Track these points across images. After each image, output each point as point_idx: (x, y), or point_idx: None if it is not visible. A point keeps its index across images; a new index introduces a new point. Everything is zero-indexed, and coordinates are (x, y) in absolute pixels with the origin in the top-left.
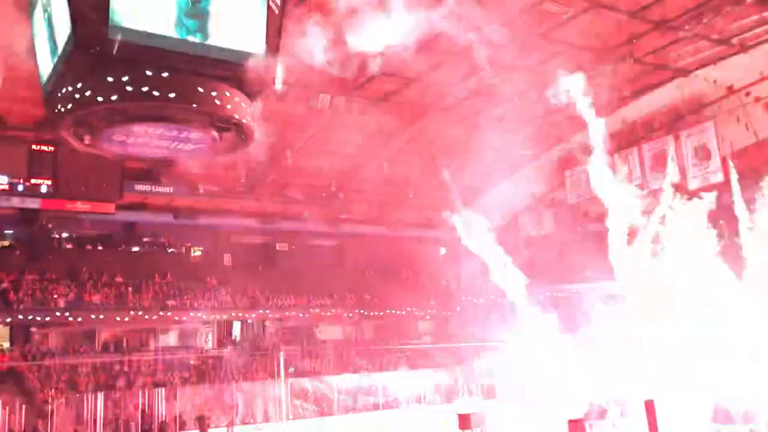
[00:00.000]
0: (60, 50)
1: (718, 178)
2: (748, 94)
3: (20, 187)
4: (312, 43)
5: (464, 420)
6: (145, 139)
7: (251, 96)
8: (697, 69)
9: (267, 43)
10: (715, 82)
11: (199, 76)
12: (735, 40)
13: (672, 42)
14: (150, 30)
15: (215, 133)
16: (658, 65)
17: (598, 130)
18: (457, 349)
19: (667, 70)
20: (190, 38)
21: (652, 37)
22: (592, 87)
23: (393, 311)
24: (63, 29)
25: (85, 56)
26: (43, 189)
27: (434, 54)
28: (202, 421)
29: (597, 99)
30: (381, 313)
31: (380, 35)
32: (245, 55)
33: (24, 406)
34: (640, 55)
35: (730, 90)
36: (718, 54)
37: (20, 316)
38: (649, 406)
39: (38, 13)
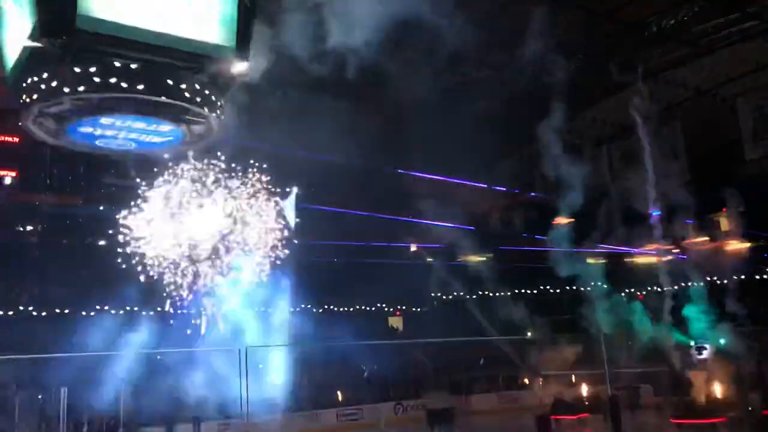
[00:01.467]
0: (26, 39)
1: None
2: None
3: None
4: (287, 39)
5: (433, 416)
6: (112, 132)
7: (222, 89)
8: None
9: (238, 37)
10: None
11: (169, 69)
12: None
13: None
14: (119, 21)
15: (185, 126)
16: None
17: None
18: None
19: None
20: (161, 29)
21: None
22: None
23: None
24: (28, 17)
25: (51, 46)
26: (8, 180)
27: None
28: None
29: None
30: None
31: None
32: (216, 49)
33: None
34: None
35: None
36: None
37: None
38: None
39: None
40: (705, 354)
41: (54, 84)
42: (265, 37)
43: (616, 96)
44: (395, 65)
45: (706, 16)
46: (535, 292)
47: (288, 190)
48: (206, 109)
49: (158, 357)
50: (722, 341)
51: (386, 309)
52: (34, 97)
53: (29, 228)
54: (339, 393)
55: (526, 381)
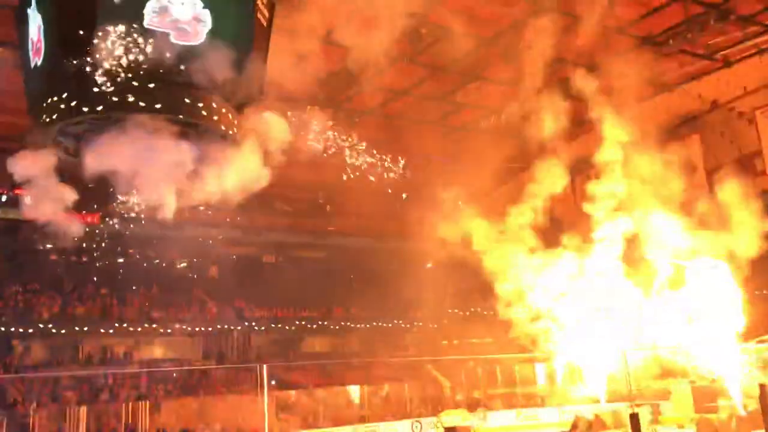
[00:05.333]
0: (42, 57)
1: None
2: (731, 109)
3: (3, 198)
4: (298, 56)
5: None
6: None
7: (238, 108)
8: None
9: (254, 54)
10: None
11: (186, 87)
12: (719, 55)
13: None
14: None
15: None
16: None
17: None
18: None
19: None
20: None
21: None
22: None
23: (380, 323)
24: (48, 36)
25: (68, 64)
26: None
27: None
28: None
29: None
30: (367, 325)
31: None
32: (233, 67)
33: (5, 420)
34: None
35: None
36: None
37: (2, 328)
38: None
39: (31, 22)
40: None
41: (73, 104)
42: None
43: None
44: None
45: (722, 29)
46: None
47: None
48: (223, 128)
49: (174, 375)
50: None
51: (403, 325)
52: (54, 116)
53: (49, 246)
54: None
55: (545, 398)
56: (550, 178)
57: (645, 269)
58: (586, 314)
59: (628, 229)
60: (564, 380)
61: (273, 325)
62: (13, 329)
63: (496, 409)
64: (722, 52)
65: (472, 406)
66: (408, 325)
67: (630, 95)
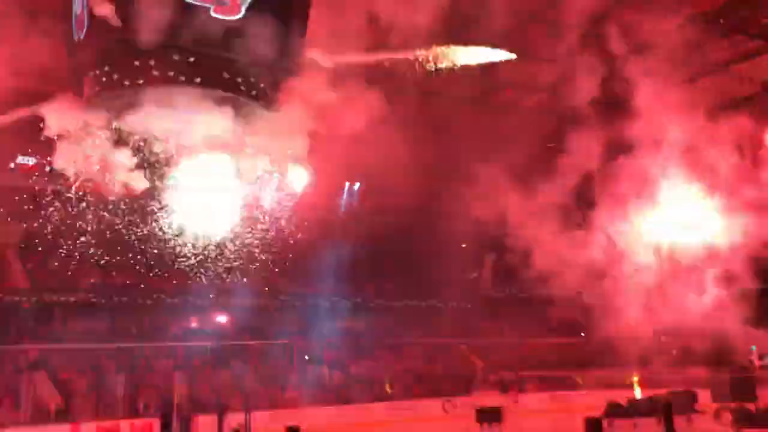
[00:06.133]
0: (85, 31)
1: None
2: None
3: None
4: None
5: (482, 414)
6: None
7: (277, 82)
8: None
9: (293, 28)
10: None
11: (225, 61)
12: None
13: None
14: None
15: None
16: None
17: None
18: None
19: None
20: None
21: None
22: None
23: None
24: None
25: (110, 37)
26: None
27: None
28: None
29: None
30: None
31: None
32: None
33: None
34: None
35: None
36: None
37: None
38: None
39: None
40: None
41: (115, 77)
42: None
43: None
44: None
45: None
46: None
47: None
48: (262, 103)
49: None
50: None
51: (438, 305)
52: (97, 89)
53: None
54: (389, 387)
55: (579, 381)
56: (585, 155)
57: None
58: (623, 294)
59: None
60: (599, 364)
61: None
62: (54, 299)
63: (529, 391)
64: None
65: (504, 387)
66: (442, 305)
67: (679, 75)
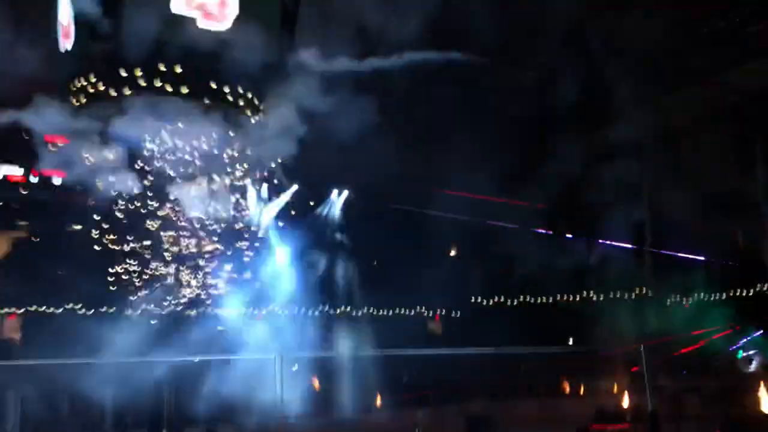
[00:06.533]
0: (72, 42)
1: None
2: None
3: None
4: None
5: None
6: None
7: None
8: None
9: (280, 39)
10: None
11: (212, 72)
12: None
13: None
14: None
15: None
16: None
17: None
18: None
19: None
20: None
21: None
22: None
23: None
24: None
25: (98, 48)
26: (57, 181)
27: None
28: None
29: None
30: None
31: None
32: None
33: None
34: None
35: None
36: None
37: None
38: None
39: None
40: (754, 365)
41: (102, 88)
42: None
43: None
44: None
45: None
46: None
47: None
48: (249, 113)
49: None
50: None
51: (426, 314)
52: (84, 99)
53: (77, 227)
54: (378, 397)
55: (567, 389)
56: (572, 161)
57: None
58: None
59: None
60: (588, 372)
61: None
62: (50, 309)
63: (518, 399)
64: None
65: (493, 395)
66: (430, 314)
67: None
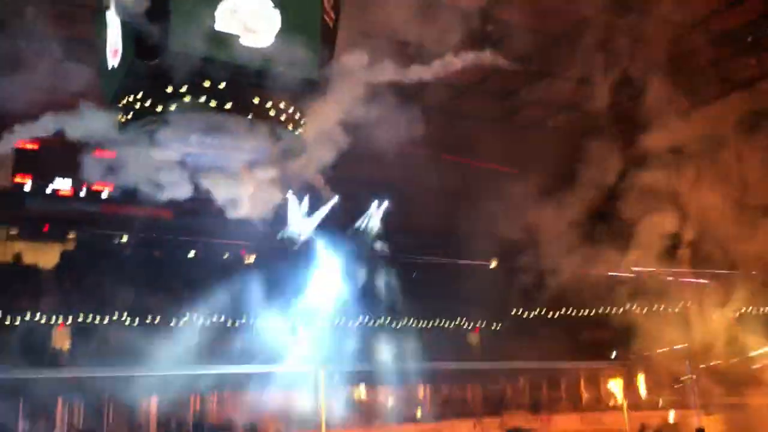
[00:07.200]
0: (120, 59)
1: None
2: None
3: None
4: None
5: None
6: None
7: (304, 106)
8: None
9: (321, 55)
10: None
11: (255, 88)
12: None
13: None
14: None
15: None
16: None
17: None
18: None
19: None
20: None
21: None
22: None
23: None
24: (126, 39)
25: (144, 65)
26: (104, 195)
27: None
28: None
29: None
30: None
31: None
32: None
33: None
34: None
35: None
36: None
37: (80, 320)
38: None
39: (110, 25)
40: None
41: (147, 104)
42: None
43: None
44: None
45: None
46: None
47: None
48: (291, 127)
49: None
50: None
51: (465, 326)
52: (130, 116)
53: (123, 239)
54: (418, 409)
55: (611, 403)
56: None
57: None
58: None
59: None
60: (631, 385)
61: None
62: (89, 320)
63: (560, 412)
64: None
65: (535, 408)
66: (470, 326)
67: (703, 93)
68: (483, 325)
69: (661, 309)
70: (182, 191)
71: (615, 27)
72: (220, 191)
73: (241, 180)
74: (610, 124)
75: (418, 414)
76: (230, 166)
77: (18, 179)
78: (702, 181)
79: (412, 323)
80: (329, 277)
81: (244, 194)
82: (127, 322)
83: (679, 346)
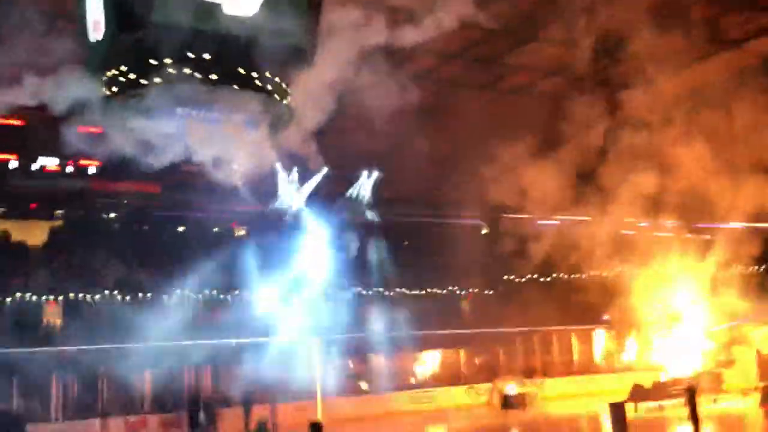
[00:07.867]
0: (103, 33)
1: None
2: None
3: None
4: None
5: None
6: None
7: (292, 77)
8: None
9: (306, 24)
10: None
11: (240, 57)
12: None
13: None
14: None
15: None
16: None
17: None
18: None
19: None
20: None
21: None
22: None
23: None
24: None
25: (127, 39)
26: (91, 170)
27: None
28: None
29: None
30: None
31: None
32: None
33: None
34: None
35: None
36: None
37: (70, 295)
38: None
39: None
40: None
41: (132, 77)
42: None
43: None
44: None
45: None
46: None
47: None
48: (277, 96)
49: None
50: None
51: (457, 293)
52: (114, 89)
53: (112, 215)
54: (412, 376)
55: (604, 365)
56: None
57: None
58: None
59: None
60: (622, 348)
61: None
62: (80, 296)
63: (553, 376)
64: None
65: (528, 373)
66: (463, 292)
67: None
68: (475, 292)
69: (651, 268)
70: (170, 160)
71: None
72: (208, 150)
73: (230, 139)
74: (595, 86)
75: (412, 381)
76: (218, 133)
77: (3, 156)
78: (689, 138)
79: (404, 291)
80: (320, 248)
81: (233, 153)
82: (119, 297)
83: (668, 306)
